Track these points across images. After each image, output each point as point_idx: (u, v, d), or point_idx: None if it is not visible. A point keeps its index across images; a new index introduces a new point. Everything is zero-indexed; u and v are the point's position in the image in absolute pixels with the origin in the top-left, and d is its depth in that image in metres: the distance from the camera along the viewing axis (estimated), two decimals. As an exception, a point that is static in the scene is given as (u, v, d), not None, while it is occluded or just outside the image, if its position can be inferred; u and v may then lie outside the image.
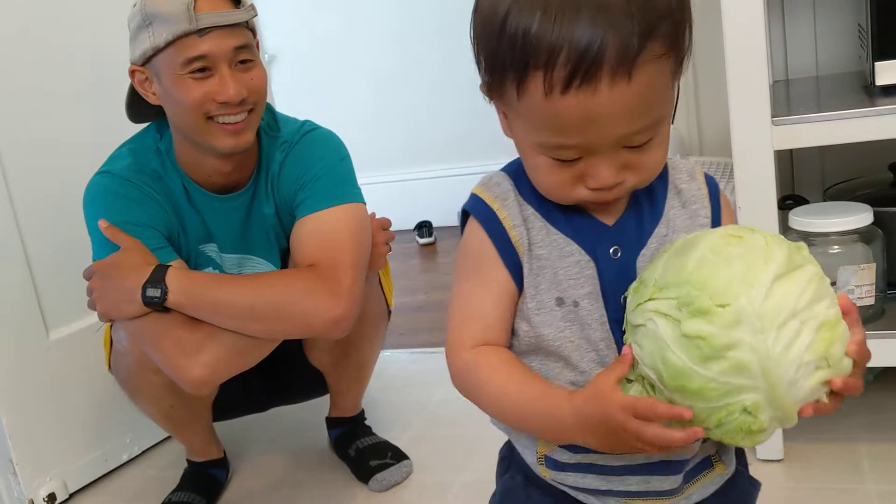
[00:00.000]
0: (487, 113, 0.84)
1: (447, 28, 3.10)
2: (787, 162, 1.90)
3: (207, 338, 1.49)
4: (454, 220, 3.40)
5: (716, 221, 0.87)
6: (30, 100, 1.86)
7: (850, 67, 1.81)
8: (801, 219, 1.54)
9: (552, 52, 0.69)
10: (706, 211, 0.86)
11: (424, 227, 3.72)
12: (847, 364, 0.73)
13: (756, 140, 1.45)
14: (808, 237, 1.54)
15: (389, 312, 1.83)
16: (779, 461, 1.60)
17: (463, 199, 0.87)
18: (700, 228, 0.84)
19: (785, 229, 1.55)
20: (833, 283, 1.52)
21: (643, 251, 0.83)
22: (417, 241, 3.70)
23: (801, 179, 1.92)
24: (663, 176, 0.86)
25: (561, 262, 0.82)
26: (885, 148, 1.58)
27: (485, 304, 0.84)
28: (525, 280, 0.83)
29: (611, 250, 0.82)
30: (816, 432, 1.67)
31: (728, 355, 0.69)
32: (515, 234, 0.83)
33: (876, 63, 1.48)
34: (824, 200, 1.72)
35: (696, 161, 1.87)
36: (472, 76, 0.78)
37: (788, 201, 1.77)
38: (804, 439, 1.64)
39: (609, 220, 0.83)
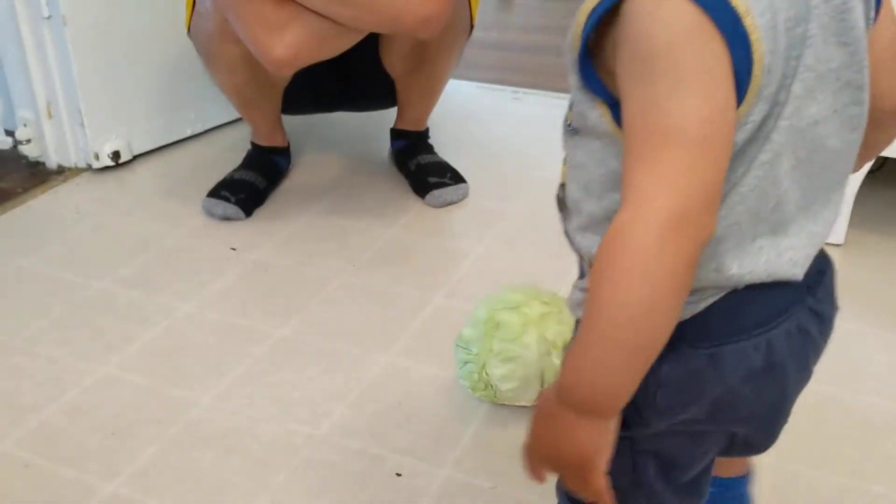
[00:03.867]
0: None
1: None
2: None
3: (292, 17, 1.45)
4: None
5: None
6: None
7: None
8: None
9: None
10: None
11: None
12: None
13: None
14: None
15: (472, 27, 1.75)
16: (838, 245, 1.60)
17: None
18: None
19: None
20: None
21: None
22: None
23: None
24: None
25: None
26: None
27: None
28: None
29: None
30: (877, 224, 1.67)
31: None
32: None
33: None
34: None
35: None
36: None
37: None
38: (866, 228, 1.64)
39: None
